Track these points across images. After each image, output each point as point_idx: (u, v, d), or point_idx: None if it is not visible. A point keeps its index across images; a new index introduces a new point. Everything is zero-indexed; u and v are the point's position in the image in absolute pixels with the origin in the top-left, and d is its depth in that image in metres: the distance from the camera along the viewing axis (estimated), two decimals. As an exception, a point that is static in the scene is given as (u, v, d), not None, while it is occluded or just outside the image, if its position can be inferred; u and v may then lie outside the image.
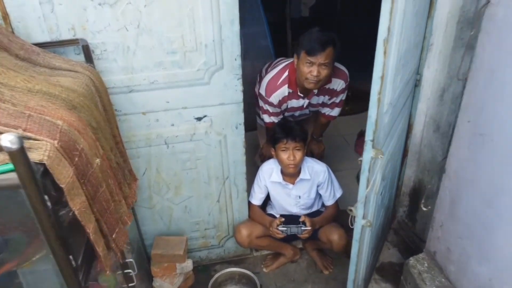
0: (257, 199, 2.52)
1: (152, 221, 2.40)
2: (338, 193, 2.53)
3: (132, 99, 1.97)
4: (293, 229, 2.28)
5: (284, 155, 2.27)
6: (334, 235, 2.36)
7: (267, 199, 2.65)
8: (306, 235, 2.28)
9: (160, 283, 2.29)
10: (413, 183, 2.64)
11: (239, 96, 2.09)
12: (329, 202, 2.50)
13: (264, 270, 2.63)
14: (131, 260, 1.87)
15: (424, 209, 2.24)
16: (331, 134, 3.67)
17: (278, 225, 2.30)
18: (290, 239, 2.69)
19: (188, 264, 2.31)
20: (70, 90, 1.47)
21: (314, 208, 2.59)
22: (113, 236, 1.51)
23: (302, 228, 2.28)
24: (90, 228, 1.28)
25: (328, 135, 2.91)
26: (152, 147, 2.14)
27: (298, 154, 2.27)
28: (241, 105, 2.12)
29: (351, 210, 1.65)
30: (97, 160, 1.42)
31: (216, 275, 2.41)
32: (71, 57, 1.76)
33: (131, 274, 1.82)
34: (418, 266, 2.19)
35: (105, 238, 1.45)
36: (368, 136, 1.47)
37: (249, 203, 2.53)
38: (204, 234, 2.54)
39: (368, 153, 1.49)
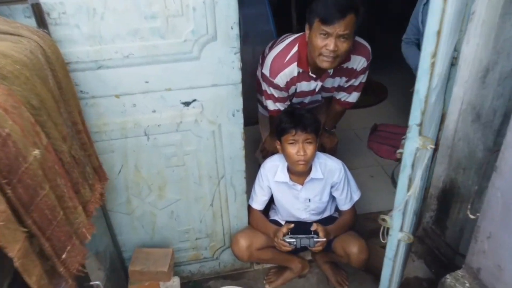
0: (258, 202, 2.10)
1: (132, 230, 1.98)
2: (356, 195, 2.11)
3: (102, 77, 1.56)
4: (304, 240, 1.86)
5: (292, 149, 1.86)
6: (353, 248, 1.94)
7: (270, 202, 2.23)
8: (320, 248, 1.87)
9: (140, 306, 1.88)
10: (443, 183, 2.23)
11: (237, 75, 1.67)
12: (345, 206, 2.09)
13: (267, 287, 2.22)
14: (97, 283, 1.45)
15: (472, 217, 1.82)
16: (341, 128, 3.27)
17: (285, 235, 1.88)
18: (298, 250, 2.27)
19: (175, 283, 1.90)
20: (1, 55, 1.06)
21: (326, 214, 2.18)
22: (63, 256, 1.10)
23: (315, 239, 1.86)
24: (15, 250, 0.87)
25: (338, 129, 2.51)
26: (128, 139, 1.72)
27: (310, 148, 1.85)
28: (239, 87, 1.71)
29: (384, 220, 1.24)
30: (35, 152, 1.00)
31: (209, 295, 2.00)
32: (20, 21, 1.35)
33: (96, 301, 1.41)
34: (457, 286, 1.78)
35: (47, 261, 1.03)
36: (413, 119, 1.06)
37: (249, 208, 2.12)
38: (195, 245, 2.12)
39: (412, 142, 1.08)
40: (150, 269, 1.83)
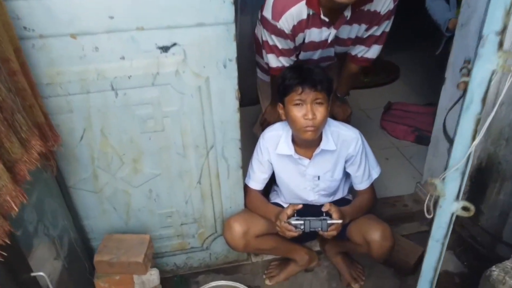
0: (257, 181, 1.73)
1: (101, 213, 1.62)
2: (375, 172, 1.74)
3: (52, 8, 1.19)
4: (314, 223, 1.49)
5: (298, 112, 1.49)
6: (374, 233, 1.57)
7: (271, 183, 1.87)
8: (333, 233, 1.50)
9: (109, 305, 1.51)
10: (478, 160, 1.86)
11: (229, 12, 1.31)
12: (362, 185, 1.72)
13: (267, 282, 1.85)
14: (41, 274, 1.09)
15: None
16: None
17: (289, 218, 1.51)
18: (304, 239, 1.90)
19: (153, 276, 1.53)
20: None
21: (339, 195, 1.81)
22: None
23: (328, 221, 1.49)
24: None
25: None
26: (91, 94, 1.36)
27: (320, 111, 1.48)
28: (232, 29, 1.34)
29: (432, 185, 0.88)
30: None
31: (196, 293, 1.63)
32: None
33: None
34: (508, 280, 1.41)
35: None
36: (491, 24, 0.68)
37: (246, 188, 1.75)
38: (180, 232, 1.76)
39: (485, 62, 0.71)
40: (121, 260, 1.46)
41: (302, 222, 1.47)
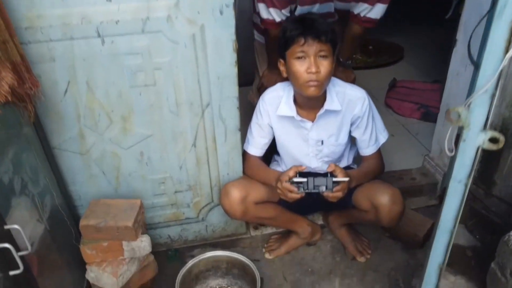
0: (256, 146, 1.62)
1: (88, 178, 1.51)
2: (383, 136, 1.63)
3: None
4: (318, 180, 1.36)
5: (300, 66, 1.37)
6: (383, 196, 1.46)
7: (271, 152, 1.75)
8: (338, 194, 1.38)
9: (97, 273, 1.40)
10: (491, 126, 1.74)
11: (225, -51, 1.20)
12: (369, 150, 1.61)
13: (267, 256, 1.74)
14: (15, 227, 0.98)
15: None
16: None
17: (291, 179, 1.40)
18: (306, 210, 1.79)
19: (144, 243, 1.42)
20: None
21: (343, 164, 1.70)
22: None
23: (333, 179, 1.37)
24: None
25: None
26: (75, 41, 1.24)
27: (324, 65, 1.37)
28: (229, -32, 1.23)
29: (455, 114, 0.76)
30: None
31: (190, 263, 1.51)
32: None
33: (9, 250, 0.93)
34: (528, 246, 1.30)
35: None
36: None
37: (244, 154, 1.64)
38: (174, 201, 1.65)
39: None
40: (109, 224, 1.35)
41: (305, 180, 1.35)
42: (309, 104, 1.50)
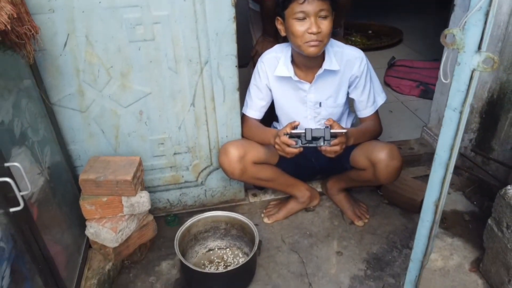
0: (254, 109, 1.63)
1: (88, 137, 1.51)
2: (381, 98, 1.64)
3: None
4: (316, 131, 1.35)
5: (300, 27, 1.38)
6: (380, 152, 1.46)
7: (270, 120, 1.77)
8: (336, 148, 1.37)
9: (96, 229, 1.40)
10: (489, 93, 1.76)
11: None
12: (367, 111, 1.62)
13: (266, 220, 1.75)
14: (15, 164, 0.99)
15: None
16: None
17: (288, 133, 1.40)
18: (304, 174, 1.80)
19: (143, 199, 1.42)
20: None
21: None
22: None
23: (332, 131, 1.37)
24: None
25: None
26: (75, -8, 1.25)
27: (325, 24, 1.38)
28: None
29: (451, 36, 0.77)
30: None
31: (188, 222, 1.52)
32: None
33: (8, 183, 0.94)
34: (524, 197, 1.31)
35: None
36: None
37: (243, 117, 1.65)
38: (173, 163, 1.65)
39: None
40: (109, 178, 1.36)
41: (303, 131, 1.36)
42: (308, 64, 1.51)
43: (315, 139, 1.35)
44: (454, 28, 0.79)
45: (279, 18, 1.46)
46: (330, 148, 1.36)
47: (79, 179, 1.37)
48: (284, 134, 1.38)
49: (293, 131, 1.37)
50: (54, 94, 1.40)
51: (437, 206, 1.02)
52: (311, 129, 1.35)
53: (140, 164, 1.45)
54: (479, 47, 0.78)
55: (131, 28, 1.34)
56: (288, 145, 1.38)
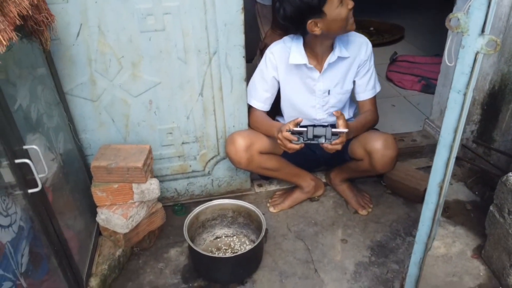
0: (259, 100, 1.66)
1: (99, 126, 1.55)
2: (378, 86, 1.68)
3: None
4: (317, 129, 1.40)
5: (345, 9, 1.39)
6: (375, 142, 1.50)
7: (274, 113, 1.80)
8: (337, 146, 1.41)
9: (107, 215, 1.44)
10: (490, 84, 1.79)
11: None
12: (366, 94, 1.65)
13: (272, 210, 1.78)
14: (33, 147, 1.02)
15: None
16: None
17: (290, 129, 1.42)
18: (308, 166, 1.83)
19: (153, 186, 1.46)
20: None
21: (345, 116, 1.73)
22: None
23: (332, 130, 1.41)
24: None
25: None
26: (88, -17, 1.29)
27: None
28: None
29: (455, 20, 0.81)
30: None
31: (197, 210, 1.55)
32: None
33: (27, 164, 0.97)
34: (526, 184, 1.34)
35: None
36: None
37: (249, 108, 1.68)
38: (181, 152, 1.69)
39: None
40: (120, 165, 1.39)
41: (305, 129, 1.39)
42: (321, 51, 1.53)
43: (316, 137, 1.39)
44: (458, 12, 0.82)
45: (311, 20, 1.40)
46: (331, 146, 1.39)
47: (91, 165, 1.40)
48: (287, 131, 1.40)
49: (295, 129, 1.40)
50: (66, 83, 1.43)
51: (441, 188, 1.05)
52: (313, 127, 1.39)
53: (150, 152, 1.48)
54: (483, 30, 0.81)
55: (142, 19, 1.37)
56: (290, 141, 1.41)
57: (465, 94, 0.89)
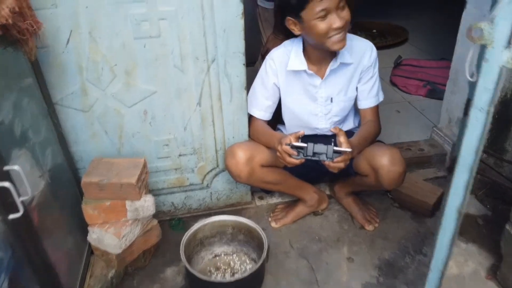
0: (260, 108, 1.57)
1: (91, 137, 1.46)
2: (381, 94, 1.59)
3: None
4: (318, 147, 1.30)
5: (324, 25, 1.30)
6: (382, 158, 1.40)
7: (275, 122, 1.70)
8: (340, 164, 1.31)
9: (99, 234, 1.35)
10: (502, 91, 1.70)
11: None
12: (368, 102, 1.55)
13: (273, 225, 1.69)
14: (15, 168, 0.93)
15: None
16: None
17: (292, 143, 1.33)
18: (311, 178, 1.74)
19: (147, 203, 1.37)
20: None
21: (349, 125, 1.65)
22: None
23: (335, 148, 1.30)
24: None
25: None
26: (78, -13, 1.20)
27: (345, 14, 1.31)
28: None
29: (477, 29, 0.72)
30: None
31: (195, 227, 1.46)
32: None
33: (7, 189, 0.88)
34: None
35: None
36: None
37: (250, 118, 1.59)
38: (178, 164, 1.60)
39: None
40: (112, 181, 1.30)
41: (305, 145, 1.29)
42: (322, 57, 1.45)
43: (317, 154, 1.29)
44: (482, 22, 0.73)
45: (290, 18, 1.38)
46: (334, 165, 1.30)
47: (82, 182, 1.31)
48: (287, 144, 1.31)
49: (296, 143, 1.30)
50: (56, 93, 1.34)
51: (460, 213, 0.97)
52: (314, 144, 1.29)
53: (145, 166, 1.39)
54: (509, 42, 0.73)
55: (136, 24, 1.28)
56: (290, 155, 1.32)
57: (488, 112, 0.80)
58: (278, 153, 1.35)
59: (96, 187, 1.30)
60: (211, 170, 1.64)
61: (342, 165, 1.31)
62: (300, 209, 1.70)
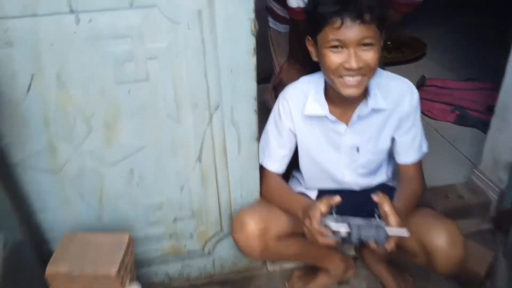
0: (274, 159, 1.27)
1: (63, 202, 1.16)
2: (425, 145, 1.29)
3: None
4: (367, 230, 0.97)
5: (336, 58, 1.03)
6: (438, 236, 1.09)
7: (289, 168, 1.40)
8: (392, 246, 0.98)
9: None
10: None
11: None
12: (409, 157, 1.25)
13: (291, 298, 1.39)
14: None
15: None
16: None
17: (324, 216, 1.02)
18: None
19: (133, 295, 1.06)
20: None
21: (381, 178, 1.33)
22: None
23: (388, 231, 0.97)
24: None
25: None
26: (40, 18, 0.91)
27: (370, 56, 1.03)
28: None
29: None
30: None
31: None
32: None
33: None
34: None
35: None
36: None
37: (261, 171, 1.28)
38: (173, 230, 1.29)
39: None
40: (86, 272, 0.99)
41: (346, 226, 0.98)
42: (346, 101, 1.16)
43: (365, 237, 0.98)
44: None
45: (309, 38, 1.11)
46: (387, 247, 0.98)
47: (46, 272, 1.00)
48: (321, 223, 1.00)
49: (332, 224, 0.99)
50: (16, 152, 1.05)
51: None
52: (358, 226, 0.97)
53: (129, 244, 1.08)
54: None
55: (119, 66, 0.99)
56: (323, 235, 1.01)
57: None
58: (306, 229, 1.05)
59: (64, 279, 1.00)
60: (213, 235, 1.34)
61: (393, 246, 1.00)
62: (322, 280, 1.40)
